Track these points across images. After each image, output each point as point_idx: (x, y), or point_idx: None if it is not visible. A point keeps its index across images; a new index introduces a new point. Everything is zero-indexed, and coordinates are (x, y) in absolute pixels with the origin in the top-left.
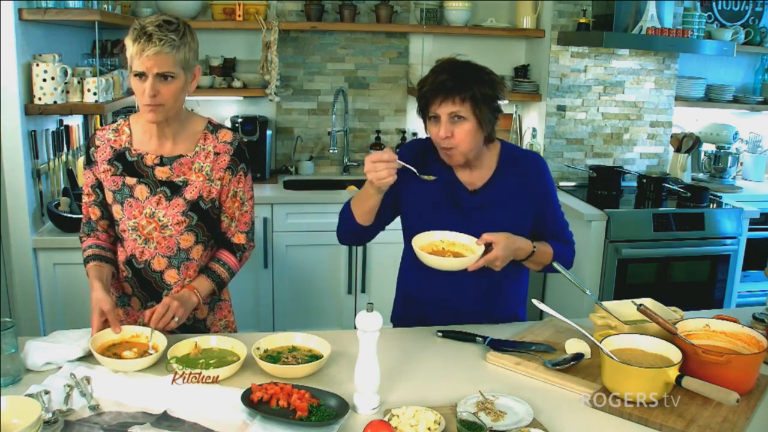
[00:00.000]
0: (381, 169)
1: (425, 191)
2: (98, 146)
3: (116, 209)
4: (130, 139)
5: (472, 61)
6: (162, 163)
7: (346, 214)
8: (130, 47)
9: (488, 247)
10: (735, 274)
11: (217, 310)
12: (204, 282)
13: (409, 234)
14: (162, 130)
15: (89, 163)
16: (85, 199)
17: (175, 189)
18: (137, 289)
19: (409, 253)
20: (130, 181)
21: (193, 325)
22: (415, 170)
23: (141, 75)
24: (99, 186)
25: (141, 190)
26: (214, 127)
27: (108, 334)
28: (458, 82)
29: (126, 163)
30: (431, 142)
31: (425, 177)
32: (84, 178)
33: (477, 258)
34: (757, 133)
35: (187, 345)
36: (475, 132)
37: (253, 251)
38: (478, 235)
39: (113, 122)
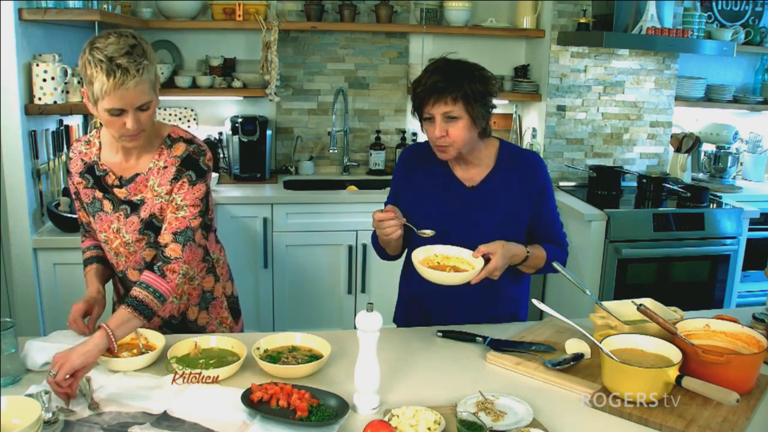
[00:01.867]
0: (385, 227)
1: (422, 188)
2: (71, 158)
3: (92, 221)
4: (99, 152)
5: (463, 59)
6: (120, 185)
7: (377, 247)
8: (103, 82)
9: (485, 257)
10: (735, 274)
11: (211, 309)
12: (120, 314)
13: (408, 232)
14: (128, 147)
15: (68, 172)
16: (76, 203)
17: (133, 207)
18: (123, 293)
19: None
20: (99, 194)
21: (183, 324)
22: (414, 227)
23: (119, 112)
24: (78, 193)
25: (107, 205)
26: (171, 141)
27: None
28: (449, 82)
29: (95, 176)
30: (425, 144)
31: (423, 233)
32: (69, 185)
33: (478, 271)
34: (757, 133)
35: (187, 345)
36: (469, 129)
37: (252, 251)
38: (475, 233)
39: (89, 132)
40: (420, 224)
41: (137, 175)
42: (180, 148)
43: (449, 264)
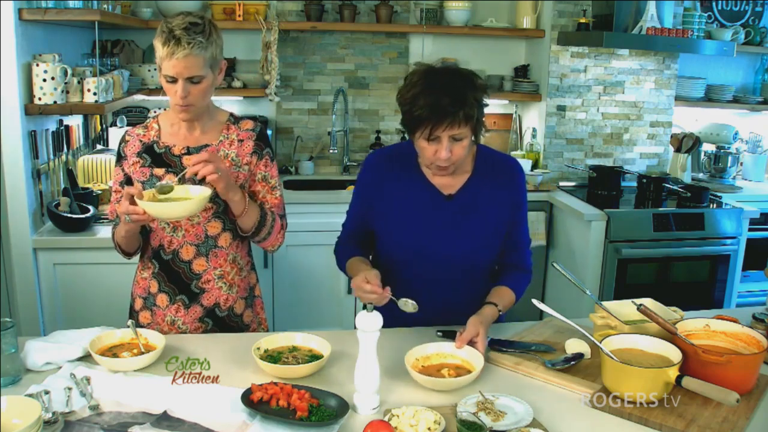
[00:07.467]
0: (369, 298)
1: (396, 198)
2: (127, 141)
3: None
4: (159, 133)
5: (455, 68)
6: (189, 153)
7: (344, 271)
8: (159, 49)
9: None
10: (735, 274)
11: (254, 307)
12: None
13: (380, 240)
14: (191, 122)
15: (119, 159)
16: (113, 196)
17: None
18: (165, 284)
19: (378, 258)
20: (158, 171)
21: (230, 320)
22: (396, 300)
23: (172, 79)
24: (128, 182)
25: (169, 179)
26: (236, 119)
27: (107, 338)
28: (458, 104)
29: (154, 154)
30: (398, 149)
31: (405, 304)
32: (114, 176)
33: (477, 373)
34: (757, 133)
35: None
36: (470, 144)
37: (252, 251)
38: (453, 246)
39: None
40: (393, 237)
41: (206, 145)
42: (249, 123)
43: (444, 362)
